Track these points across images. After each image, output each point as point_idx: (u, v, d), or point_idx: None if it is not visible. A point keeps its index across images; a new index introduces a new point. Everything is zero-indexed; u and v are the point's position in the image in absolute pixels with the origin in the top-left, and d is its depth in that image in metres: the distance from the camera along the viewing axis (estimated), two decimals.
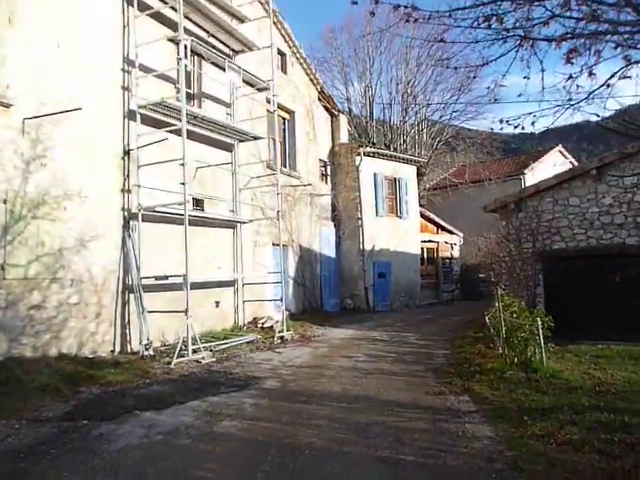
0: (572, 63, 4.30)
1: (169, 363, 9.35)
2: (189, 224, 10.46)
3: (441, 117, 29.55)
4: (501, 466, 4.96)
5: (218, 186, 13.22)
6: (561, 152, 32.79)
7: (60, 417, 6.38)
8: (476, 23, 4.32)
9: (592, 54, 4.28)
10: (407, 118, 28.63)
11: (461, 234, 24.83)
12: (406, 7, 4.27)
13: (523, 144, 45.23)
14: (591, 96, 4.65)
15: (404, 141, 28.11)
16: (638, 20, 4.03)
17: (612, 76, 4.48)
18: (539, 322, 8.40)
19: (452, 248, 24.60)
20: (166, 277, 10.62)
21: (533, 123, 5.42)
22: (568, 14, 4.27)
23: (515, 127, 5.18)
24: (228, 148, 13.68)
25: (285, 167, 16.76)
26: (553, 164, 31.18)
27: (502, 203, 16.80)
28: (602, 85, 4.54)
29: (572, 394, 7.22)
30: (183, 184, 10.11)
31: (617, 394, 7.18)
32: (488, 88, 5.70)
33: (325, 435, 5.81)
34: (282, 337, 12.66)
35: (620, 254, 14.46)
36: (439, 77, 28.74)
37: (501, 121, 5.28)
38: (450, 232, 24.25)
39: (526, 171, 29.23)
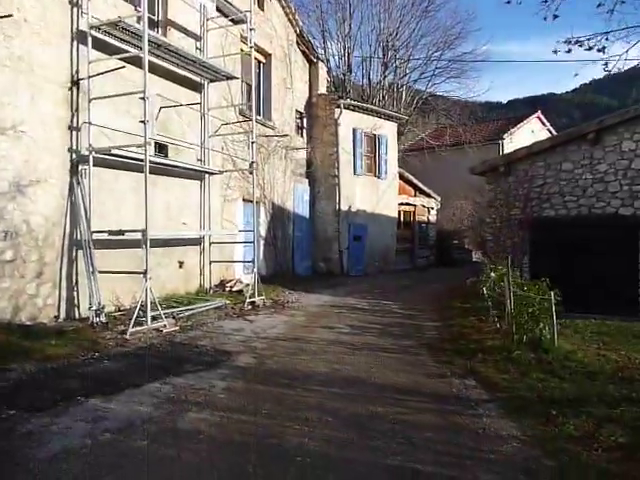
0: None
1: (124, 332, 8.00)
2: (150, 172, 8.96)
3: (422, 74, 28.12)
4: None
5: (184, 131, 11.62)
6: (540, 119, 31.99)
7: None
8: None
9: None
10: (387, 73, 27.09)
11: (439, 198, 23.87)
12: None
13: (490, 113, 44.33)
14: None
15: (382, 98, 26.61)
16: None
17: None
18: (552, 296, 7.41)
19: (429, 212, 23.65)
20: (122, 232, 9.14)
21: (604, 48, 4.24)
22: None
23: (587, 49, 3.98)
24: (197, 88, 12.02)
25: (259, 115, 15.17)
26: (531, 131, 30.46)
27: (491, 165, 15.76)
28: None
29: (594, 381, 6.28)
30: (144, 123, 8.53)
31: None
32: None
33: (318, 433, 4.66)
34: (253, 303, 11.43)
35: (613, 225, 13.72)
36: (423, 30, 27.23)
37: (568, 42, 4.07)
38: (428, 195, 23.24)
39: (505, 136, 28.35)
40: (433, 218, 24.12)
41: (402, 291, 15.28)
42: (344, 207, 18.40)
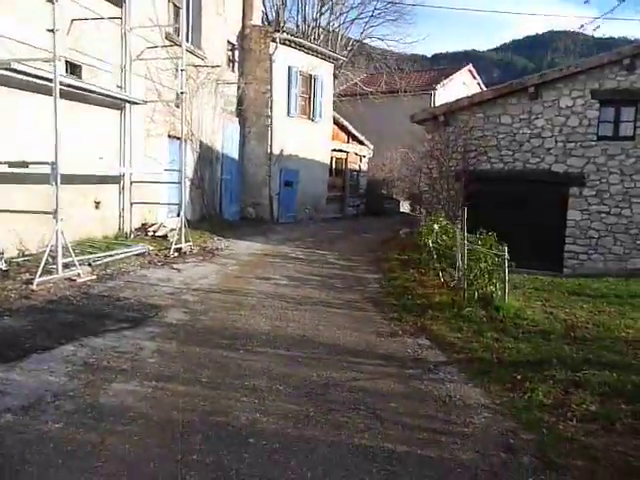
0: None
1: (29, 282, 6.85)
2: (61, 96, 7.55)
3: (360, 14, 26.87)
4: (529, 460, 3.55)
5: (102, 50, 10.05)
6: (471, 72, 31.97)
7: None
8: None
9: None
10: (324, 11, 25.63)
11: (371, 146, 23.33)
12: None
13: (414, 65, 44.05)
14: None
15: (317, 37, 25.19)
16: None
17: None
18: (506, 251, 7.11)
19: (361, 160, 23.09)
20: (26, 164, 7.75)
21: None
22: None
23: None
24: (117, 1, 10.37)
25: (187, 42, 13.61)
26: (463, 83, 30.42)
27: (431, 114, 15.30)
28: None
29: (549, 341, 6.07)
30: (52, 32, 7.07)
31: (596, 341, 6.17)
32: None
33: (270, 407, 4.02)
34: (179, 249, 10.43)
35: (545, 181, 13.83)
36: None
37: None
38: (361, 143, 22.60)
39: (437, 87, 28.06)
40: (365, 166, 23.64)
41: (336, 240, 14.78)
42: (276, 150, 17.38)
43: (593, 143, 13.31)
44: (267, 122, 17.06)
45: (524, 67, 77.48)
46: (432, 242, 9.45)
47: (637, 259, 13.02)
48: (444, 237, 9.87)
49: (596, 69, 13.23)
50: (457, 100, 15.53)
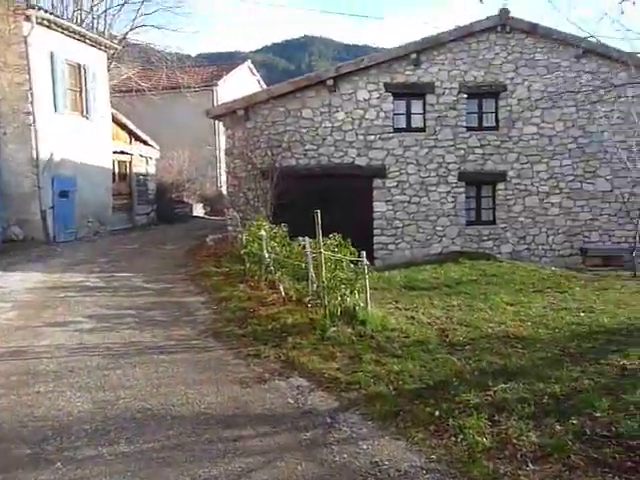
0: None
1: None
2: None
3: None
4: None
5: None
6: (250, 69, 31.51)
7: None
8: None
9: None
10: None
11: (157, 146, 21.06)
12: None
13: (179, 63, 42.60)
14: None
15: (81, 22, 21.73)
16: None
17: None
18: (364, 256, 6.29)
19: (147, 163, 20.64)
20: None
21: None
22: None
23: None
24: None
25: None
26: (242, 79, 29.77)
27: (229, 108, 14.05)
28: None
29: (430, 353, 5.42)
30: None
31: (472, 344, 5.73)
32: None
33: None
34: None
35: (351, 175, 13.74)
36: None
37: None
38: (145, 143, 20.16)
39: (219, 82, 26.89)
40: (152, 169, 21.25)
41: (135, 257, 12.57)
42: (44, 154, 14.20)
43: (391, 135, 13.62)
44: (29, 120, 13.80)
45: (285, 68, 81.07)
46: (266, 251, 8.23)
47: (437, 244, 13.76)
48: (273, 243, 8.78)
49: (386, 63, 13.54)
50: (256, 93, 14.59)
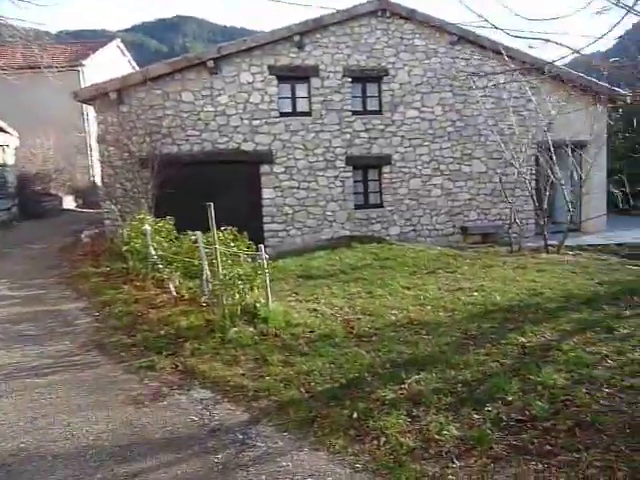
0: None
1: None
2: None
3: None
4: None
5: None
6: (120, 48, 29.19)
7: None
8: None
9: None
10: None
11: (16, 134, 18.73)
12: None
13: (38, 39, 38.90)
14: None
15: None
16: None
17: None
18: (263, 250, 5.90)
19: (4, 152, 18.27)
20: None
21: None
22: None
23: None
24: None
25: None
26: (112, 59, 27.58)
27: (100, 90, 12.72)
28: None
29: (338, 347, 5.21)
30: None
31: (378, 334, 5.60)
32: None
33: None
34: None
35: (238, 160, 13.18)
36: None
37: None
38: (1, 130, 17.82)
39: (85, 62, 24.61)
40: (11, 159, 18.87)
41: None
42: None
43: (276, 120, 13.23)
44: None
45: (157, 50, 77.07)
46: (152, 247, 7.51)
47: (328, 229, 13.69)
48: (159, 238, 8.06)
49: (270, 45, 13.06)
50: (130, 74, 13.38)
